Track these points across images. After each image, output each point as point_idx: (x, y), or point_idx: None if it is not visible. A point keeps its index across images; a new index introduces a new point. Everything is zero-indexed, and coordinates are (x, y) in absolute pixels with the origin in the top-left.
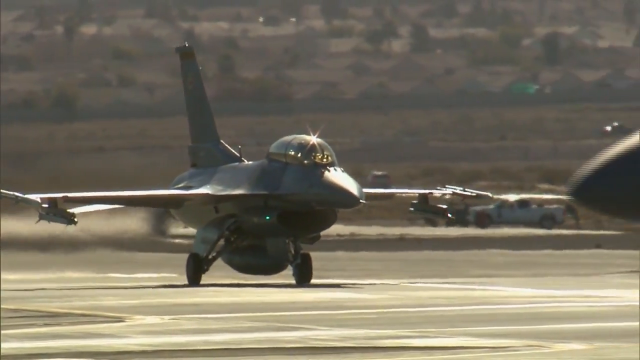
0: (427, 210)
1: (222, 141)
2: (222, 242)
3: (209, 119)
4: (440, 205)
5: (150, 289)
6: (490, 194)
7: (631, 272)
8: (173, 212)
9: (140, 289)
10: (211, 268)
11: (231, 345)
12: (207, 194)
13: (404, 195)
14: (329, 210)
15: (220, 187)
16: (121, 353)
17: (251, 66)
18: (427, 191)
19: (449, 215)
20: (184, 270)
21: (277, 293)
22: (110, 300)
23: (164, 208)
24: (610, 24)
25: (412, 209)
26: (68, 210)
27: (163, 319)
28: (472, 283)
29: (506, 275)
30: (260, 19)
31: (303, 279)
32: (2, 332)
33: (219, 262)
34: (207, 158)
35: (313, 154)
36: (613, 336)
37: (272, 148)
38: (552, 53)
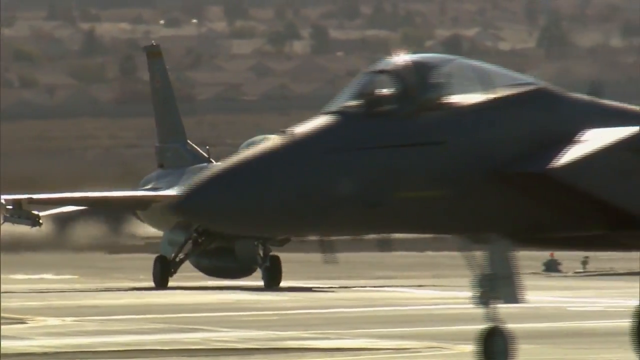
0: None
1: (189, 141)
2: (189, 244)
3: (177, 119)
4: None
5: (53, 293)
6: None
7: (534, 273)
8: (139, 214)
9: (43, 292)
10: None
11: (133, 347)
12: (173, 196)
13: None
14: None
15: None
16: (23, 355)
17: None
18: None
19: None
20: (84, 271)
21: (179, 295)
22: (13, 302)
23: (131, 209)
24: (512, 25)
25: None
26: (33, 212)
27: (65, 320)
28: (374, 285)
29: (408, 276)
30: (162, 21)
31: (272, 282)
32: None
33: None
34: (174, 159)
35: None
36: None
37: (241, 148)
38: (453, 54)
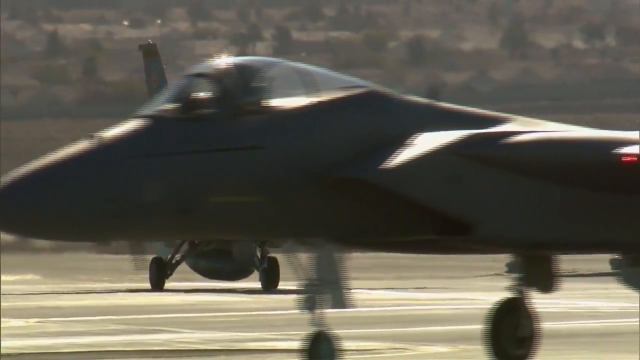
0: None
1: None
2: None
3: None
4: None
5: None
6: None
7: (496, 275)
8: None
9: (5, 294)
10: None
11: (96, 348)
12: None
13: None
14: None
15: None
16: None
17: (116, 68)
18: None
19: None
20: (46, 272)
21: (141, 296)
22: None
23: None
24: (474, 26)
25: None
26: None
27: (27, 322)
28: None
29: (371, 277)
30: (125, 22)
31: (269, 284)
32: None
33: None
34: None
35: None
36: (477, 339)
37: None
38: (417, 56)
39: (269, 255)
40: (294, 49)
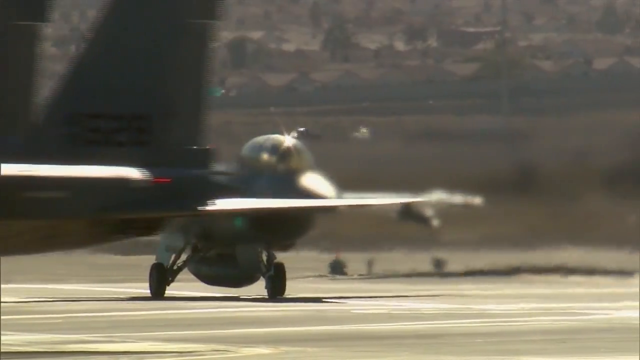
0: (411, 218)
1: None
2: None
3: None
4: (425, 214)
5: None
6: (479, 202)
7: (320, 276)
8: None
9: None
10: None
11: None
12: None
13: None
14: (304, 215)
15: None
16: None
17: None
18: (410, 200)
19: (434, 223)
20: None
21: None
22: None
23: None
24: (296, 28)
25: (395, 217)
26: None
27: None
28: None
29: (194, 279)
30: None
31: (276, 291)
32: None
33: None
34: None
35: (288, 157)
36: (299, 340)
37: (244, 150)
38: (238, 57)
39: (275, 261)
40: None
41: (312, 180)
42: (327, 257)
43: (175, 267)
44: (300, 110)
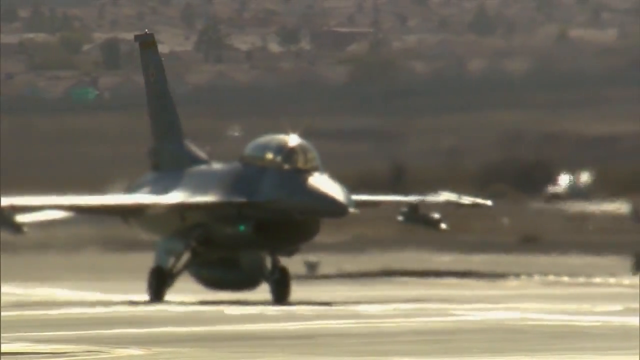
0: (418, 220)
1: (186, 141)
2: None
3: (173, 116)
4: (434, 215)
5: None
6: (489, 203)
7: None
8: (132, 220)
9: None
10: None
11: None
12: (174, 203)
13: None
14: (311, 219)
15: (187, 194)
16: None
17: None
18: (418, 198)
19: (443, 226)
20: None
21: None
22: None
23: (121, 216)
24: (169, 29)
25: (401, 218)
26: (16, 219)
27: None
28: (28, 286)
29: (67, 278)
30: None
31: (281, 296)
32: None
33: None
34: (171, 160)
35: (294, 157)
36: (172, 341)
37: (247, 150)
38: (111, 58)
39: (280, 265)
40: None
41: (320, 180)
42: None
43: (174, 271)
44: (181, 111)
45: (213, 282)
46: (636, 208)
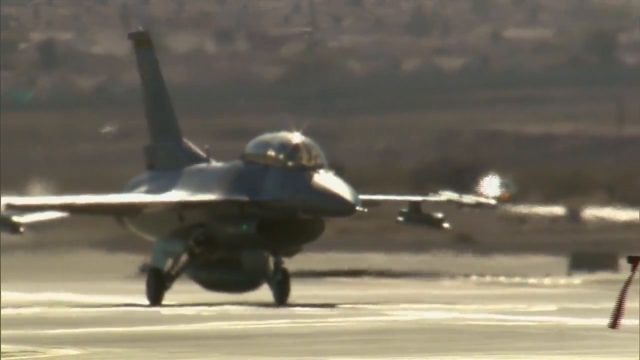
0: (420, 220)
1: (185, 139)
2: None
3: (170, 114)
4: (437, 215)
5: None
6: (492, 202)
7: (126, 277)
8: (127, 220)
9: None
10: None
11: None
12: (173, 202)
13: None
14: (315, 219)
15: (187, 192)
16: None
17: None
18: (420, 198)
19: (446, 225)
20: None
21: None
22: None
23: (117, 216)
24: (106, 30)
25: (401, 218)
26: (14, 219)
27: None
28: None
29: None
30: None
31: (283, 298)
32: None
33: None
34: (167, 158)
35: (298, 154)
36: (107, 341)
37: (248, 148)
38: (48, 59)
39: (282, 265)
40: None
41: (326, 178)
42: (137, 259)
43: (173, 272)
44: (111, 111)
45: (213, 283)
46: (572, 208)
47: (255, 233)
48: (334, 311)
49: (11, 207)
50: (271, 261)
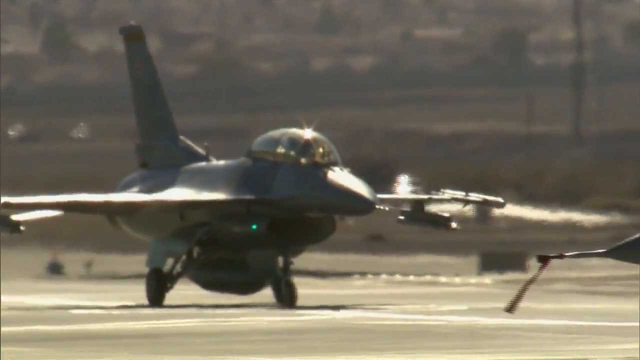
0: (423, 220)
1: (182, 137)
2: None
3: (165, 111)
4: (443, 214)
5: None
6: (500, 200)
7: (37, 277)
8: (120, 220)
9: None
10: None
11: None
12: (177, 200)
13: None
14: (326, 218)
15: (190, 191)
16: None
17: None
18: (424, 196)
19: (454, 225)
20: None
21: None
22: None
23: (112, 215)
24: (15, 28)
25: (402, 217)
26: (12, 218)
27: None
28: None
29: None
30: None
31: (292, 299)
32: None
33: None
34: (163, 157)
35: (310, 151)
36: (16, 340)
37: (256, 145)
38: None
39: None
40: None
41: (342, 175)
42: (44, 258)
43: (174, 273)
44: (20, 111)
45: (214, 284)
46: (481, 208)
47: (266, 232)
48: (245, 310)
49: (9, 206)
50: (281, 261)
